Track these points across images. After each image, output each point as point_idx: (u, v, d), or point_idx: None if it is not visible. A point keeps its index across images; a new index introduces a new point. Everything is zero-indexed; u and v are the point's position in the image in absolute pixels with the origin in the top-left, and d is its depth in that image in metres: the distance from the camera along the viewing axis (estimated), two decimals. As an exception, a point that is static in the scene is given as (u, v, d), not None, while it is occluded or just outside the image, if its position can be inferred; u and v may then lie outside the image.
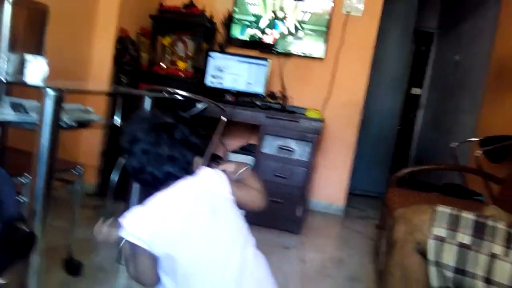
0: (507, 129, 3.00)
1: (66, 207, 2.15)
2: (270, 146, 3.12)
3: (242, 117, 3.17)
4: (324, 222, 3.58)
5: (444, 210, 1.45)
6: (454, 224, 1.40)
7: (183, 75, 3.36)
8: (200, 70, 3.46)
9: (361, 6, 3.58)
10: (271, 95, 3.47)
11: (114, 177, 2.85)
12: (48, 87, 1.55)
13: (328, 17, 3.53)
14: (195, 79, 3.37)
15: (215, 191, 1.22)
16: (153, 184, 1.20)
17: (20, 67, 1.83)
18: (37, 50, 2.04)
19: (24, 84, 1.79)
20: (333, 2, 3.53)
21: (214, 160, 3.37)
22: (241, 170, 1.39)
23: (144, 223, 1.11)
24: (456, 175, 3.53)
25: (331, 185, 3.76)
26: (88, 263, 2.21)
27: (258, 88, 3.39)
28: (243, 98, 3.37)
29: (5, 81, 1.82)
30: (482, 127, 3.54)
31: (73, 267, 2.11)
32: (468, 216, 1.42)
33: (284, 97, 3.51)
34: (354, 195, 4.36)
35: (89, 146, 3.09)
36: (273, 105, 3.28)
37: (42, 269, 1.66)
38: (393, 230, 1.55)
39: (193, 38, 3.46)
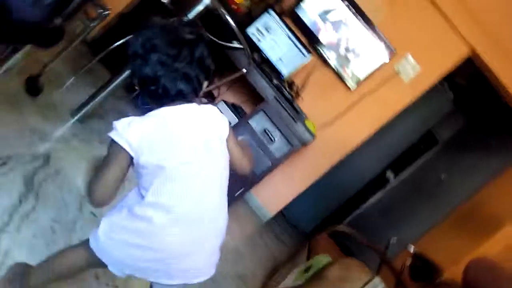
0: (440, 260, 3.12)
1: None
2: (258, 122, 3.09)
3: (254, 81, 3.12)
4: (247, 216, 3.59)
5: (380, 283, 1.48)
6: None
7: (234, 7, 3.26)
8: (250, 16, 3.37)
9: (412, 74, 3.61)
10: (290, 83, 3.43)
11: (118, 43, 2.73)
12: None
13: (379, 64, 3.55)
14: (241, 19, 3.27)
15: (215, 128, 1.22)
16: (160, 98, 1.16)
17: None
18: None
19: None
20: (389, 57, 3.54)
21: (208, 97, 3.31)
22: (243, 137, 1.42)
23: (138, 131, 1.09)
24: (374, 261, 3.64)
25: (275, 193, 3.77)
26: (46, 95, 2.11)
27: (285, 69, 3.34)
28: (266, 67, 3.31)
29: None
30: (421, 244, 3.67)
31: (34, 87, 2.00)
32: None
33: (297, 93, 3.49)
34: (282, 215, 4.41)
35: (114, 0, 2.93)
36: (285, 92, 3.25)
37: (16, 68, 1.56)
38: (329, 267, 1.57)
39: (267, -14, 3.36)
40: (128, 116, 1.12)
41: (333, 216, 4.83)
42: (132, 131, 1.08)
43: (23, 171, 1.58)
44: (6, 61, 1.58)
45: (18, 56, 1.55)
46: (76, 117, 2.19)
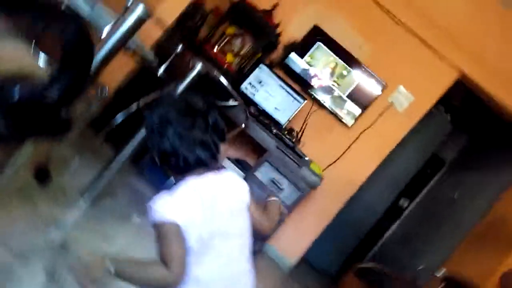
0: (471, 277, 3.07)
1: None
2: (264, 173, 3.13)
3: (254, 134, 3.18)
4: (269, 269, 3.54)
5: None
6: None
7: (225, 67, 3.37)
8: (242, 72, 3.47)
9: (406, 104, 3.68)
10: (290, 130, 3.49)
11: (118, 119, 2.80)
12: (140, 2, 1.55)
13: (372, 99, 3.63)
14: (234, 77, 3.37)
15: (239, 195, 1.24)
16: (182, 169, 1.19)
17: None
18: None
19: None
20: (381, 90, 3.62)
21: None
22: (272, 198, 1.41)
23: (176, 205, 1.10)
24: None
25: (292, 240, 3.75)
26: (55, 181, 2.14)
27: (282, 118, 3.42)
28: (264, 118, 3.37)
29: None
30: (448, 266, 3.62)
31: (42, 175, 2.03)
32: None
33: (298, 139, 3.54)
34: (305, 260, 4.35)
35: (110, 76, 3.02)
36: (286, 140, 3.30)
37: (23, 161, 1.60)
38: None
39: (254, 42, 3.49)
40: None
41: (355, 253, 4.76)
42: (173, 208, 1.09)
43: (43, 263, 1.60)
44: (12, 155, 1.62)
45: (26, 151, 1.60)
46: (86, 200, 2.22)
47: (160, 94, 1.21)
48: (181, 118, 1.15)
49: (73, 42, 1.11)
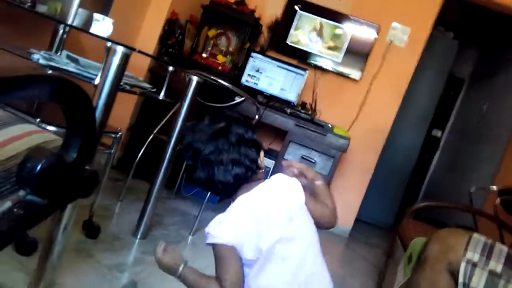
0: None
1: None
2: (293, 154, 3.15)
3: (271, 120, 3.20)
4: (328, 240, 3.58)
5: (480, 237, 1.47)
6: (488, 252, 1.42)
7: (220, 69, 3.40)
8: (237, 67, 3.50)
9: (405, 37, 3.64)
10: (302, 105, 3.50)
11: (139, 153, 2.88)
12: (119, 43, 1.59)
13: (371, 45, 3.59)
14: (232, 75, 3.41)
15: (291, 199, 1.23)
16: (225, 191, 1.23)
17: (87, 24, 1.87)
18: (105, 10, 2.08)
19: (95, 36, 1.82)
20: (376, 32, 3.58)
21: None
22: (318, 182, 1.38)
23: (230, 227, 1.13)
24: (467, 219, 3.54)
25: (342, 206, 3.72)
26: (104, 229, 2.23)
27: (291, 96, 3.43)
28: (274, 103, 3.40)
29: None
30: (500, 178, 3.57)
31: (92, 230, 2.12)
32: (502, 247, 1.44)
33: (313, 110, 3.55)
34: (359, 221, 4.36)
35: (118, 117, 3.11)
36: (302, 114, 3.32)
37: (71, 223, 1.67)
38: (426, 247, 1.56)
39: (237, 35, 3.51)
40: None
41: (406, 198, 4.75)
42: (225, 229, 1.13)
43: (120, 305, 1.67)
44: (60, 220, 1.70)
45: (68, 212, 1.67)
46: (139, 236, 2.30)
47: (184, 125, 1.26)
48: (205, 145, 1.18)
49: (69, 102, 1.16)
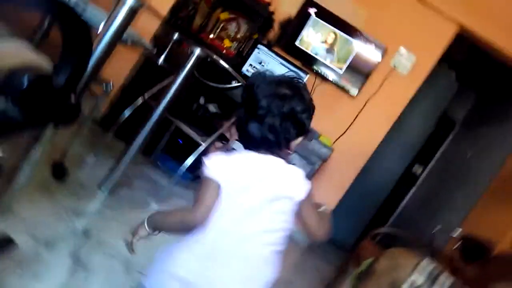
0: (489, 236, 3.08)
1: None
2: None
3: (261, 113, 3.21)
4: (289, 244, 3.60)
5: (430, 263, 1.51)
6: (433, 278, 1.46)
7: (225, 52, 3.41)
8: (241, 55, 3.52)
9: (408, 65, 3.68)
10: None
11: (125, 114, 2.88)
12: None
13: (374, 66, 3.64)
14: (235, 61, 3.42)
15: (291, 188, 1.23)
16: (248, 142, 1.24)
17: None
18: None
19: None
20: (382, 54, 3.62)
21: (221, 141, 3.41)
22: (324, 207, 1.41)
23: (223, 163, 1.19)
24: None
25: (309, 213, 3.78)
26: (72, 176, 2.23)
27: (286, 95, 3.45)
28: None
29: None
30: (466, 225, 3.63)
31: (60, 172, 2.12)
32: (448, 277, 1.48)
33: (305, 114, 3.56)
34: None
35: (114, 74, 3.10)
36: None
37: (43, 156, 1.68)
38: (376, 261, 1.60)
39: (248, 24, 3.52)
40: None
41: (372, 224, 4.79)
42: (218, 167, 1.18)
43: (68, 249, 1.68)
44: (28, 155, 1.70)
45: (41, 148, 1.67)
46: (104, 189, 2.30)
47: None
48: (262, 99, 1.18)
49: (71, 31, 1.17)
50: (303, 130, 1.25)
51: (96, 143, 2.84)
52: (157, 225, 1.20)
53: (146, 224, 1.20)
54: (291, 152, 1.28)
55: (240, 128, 1.23)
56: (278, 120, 1.19)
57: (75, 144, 2.36)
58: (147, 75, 3.14)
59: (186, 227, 1.19)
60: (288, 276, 2.94)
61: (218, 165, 1.19)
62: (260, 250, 1.23)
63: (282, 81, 1.24)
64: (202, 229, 1.17)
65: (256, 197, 1.19)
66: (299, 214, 1.26)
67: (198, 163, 3.65)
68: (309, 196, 1.25)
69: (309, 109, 1.25)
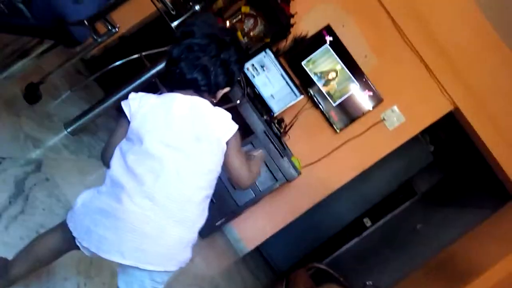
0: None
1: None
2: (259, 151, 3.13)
3: (246, 113, 3.17)
4: (225, 248, 3.57)
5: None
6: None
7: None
8: (247, 53, 3.48)
9: (396, 124, 3.72)
10: (280, 120, 3.51)
11: (116, 63, 2.77)
12: None
13: (363, 112, 3.67)
14: (239, 48, 3.37)
15: (216, 128, 1.23)
16: (176, 81, 1.25)
17: None
18: None
19: None
20: (376, 105, 3.66)
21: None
22: (258, 151, 1.41)
23: (142, 100, 1.20)
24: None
25: (254, 228, 3.76)
26: (42, 104, 2.12)
27: (276, 106, 3.44)
28: (258, 103, 3.38)
29: None
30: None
31: (33, 94, 2.01)
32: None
33: (286, 131, 3.56)
34: (258, 251, 4.39)
35: (122, 19, 2.98)
36: (274, 127, 3.32)
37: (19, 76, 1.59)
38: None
39: (265, 26, 3.48)
40: None
41: (308, 258, 4.82)
42: (137, 100, 1.19)
43: (15, 174, 1.58)
44: (11, 65, 1.61)
45: (24, 62, 1.58)
46: (69, 129, 2.20)
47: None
48: (201, 37, 1.19)
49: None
50: (233, 80, 1.28)
51: (75, 80, 2.73)
52: None
53: None
54: (215, 101, 1.29)
55: (170, 66, 1.23)
56: (212, 64, 1.21)
57: (55, 73, 2.26)
58: (151, 33, 3.04)
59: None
60: (216, 277, 2.90)
61: (138, 104, 1.19)
62: (193, 192, 1.20)
63: (222, 27, 1.30)
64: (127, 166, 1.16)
65: (182, 136, 1.17)
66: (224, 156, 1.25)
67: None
68: (236, 138, 1.26)
69: (243, 60, 1.30)
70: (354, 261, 4.93)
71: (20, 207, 1.49)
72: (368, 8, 3.72)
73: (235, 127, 1.26)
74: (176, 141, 1.17)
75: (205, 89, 1.24)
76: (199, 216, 1.23)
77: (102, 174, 2.26)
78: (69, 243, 1.19)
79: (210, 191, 1.24)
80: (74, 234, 1.16)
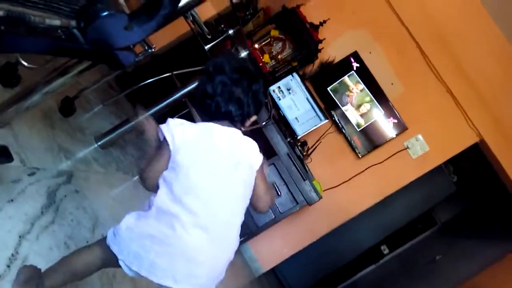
0: None
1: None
2: (267, 175, 3.16)
3: (270, 135, 3.20)
4: (242, 266, 3.57)
5: None
6: None
7: (260, 66, 3.42)
8: (273, 75, 3.53)
9: (420, 153, 3.71)
10: (303, 143, 3.54)
11: (148, 81, 2.85)
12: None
13: (387, 139, 3.68)
14: (266, 78, 3.43)
15: (249, 156, 1.32)
16: (211, 113, 1.33)
17: None
18: None
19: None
20: (400, 133, 3.66)
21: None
22: (270, 180, 1.48)
23: (185, 130, 1.24)
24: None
25: (271, 249, 3.77)
26: (76, 117, 2.20)
27: (299, 129, 3.46)
28: (282, 125, 3.42)
29: None
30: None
31: (68, 108, 2.09)
32: None
33: (308, 154, 3.58)
34: (274, 272, 4.38)
35: (156, 39, 3.08)
36: (297, 150, 3.34)
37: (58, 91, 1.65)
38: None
39: (293, 50, 3.54)
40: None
41: (323, 282, 4.78)
42: (179, 127, 1.23)
43: (47, 185, 1.64)
44: (51, 82, 1.67)
45: (64, 79, 1.64)
46: (99, 143, 2.27)
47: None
48: (232, 71, 1.27)
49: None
50: (261, 108, 1.38)
51: (107, 95, 2.81)
52: None
53: None
54: (243, 129, 1.36)
55: (205, 99, 1.31)
56: (245, 96, 1.29)
57: (90, 89, 2.34)
58: (183, 53, 3.13)
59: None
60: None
61: (178, 130, 1.23)
62: (235, 219, 1.29)
63: (247, 60, 1.37)
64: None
65: (225, 165, 1.25)
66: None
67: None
68: (263, 166, 1.36)
69: (267, 91, 1.39)
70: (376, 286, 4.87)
71: (51, 217, 1.54)
72: (396, 36, 3.75)
73: (261, 156, 1.36)
74: (220, 171, 1.25)
75: (238, 119, 1.33)
76: (238, 239, 1.33)
77: (128, 188, 2.33)
78: (108, 262, 1.25)
79: (243, 215, 1.32)
80: (120, 257, 1.21)
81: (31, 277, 1.24)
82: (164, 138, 1.23)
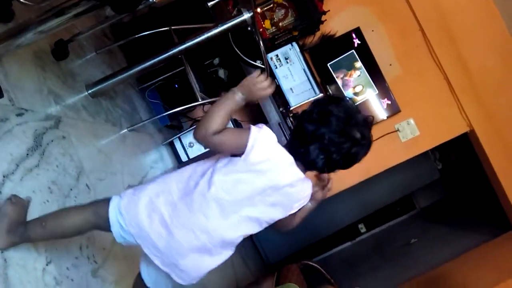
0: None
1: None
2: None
3: (263, 102, 3.17)
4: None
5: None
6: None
7: (260, 31, 3.35)
8: (273, 42, 3.46)
9: (409, 137, 3.70)
10: (294, 114, 3.50)
11: (144, 33, 2.76)
12: None
13: (377, 120, 3.65)
14: (264, 44, 3.36)
15: (297, 203, 1.34)
16: (296, 149, 1.30)
17: None
18: None
19: None
20: (392, 114, 3.65)
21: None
22: (310, 205, 1.44)
23: (266, 149, 1.25)
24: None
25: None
26: (68, 62, 2.12)
27: (293, 100, 3.43)
28: (275, 94, 3.37)
29: None
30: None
31: (61, 51, 2.01)
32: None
33: (299, 126, 3.55)
34: (251, 241, 4.42)
35: None
36: (289, 121, 3.31)
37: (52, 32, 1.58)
38: None
39: (295, 18, 3.46)
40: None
41: (298, 254, 4.83)
42: (271, 138, 1.26)
43: (35, 127, 1.59)
44: (46, 21, 1.60)
45: (60, 19, 1.57)
46: (90, 91, 2.21)
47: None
48: (337, 133, 1.24)
49: None
50: (348, 167, 1.35)
51: (101, 43, 2.72)
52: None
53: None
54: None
55: (298, 139, 1.28)
56: (338, 157, 1.21)
57: (85, 34, 2.26)
58: (184, 8, 3.03)
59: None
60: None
61: (263, 141, 1.23)
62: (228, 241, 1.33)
63: (364, 121, 1.27)
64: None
65: (267, 199, 1.27)
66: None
67: (180, 115, 3.58)
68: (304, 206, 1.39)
69: (366, 155, 1.31)
70: (343, 264, 4.95)
71: (36, 160, 1.50)
72: (401, 17, 3.69)
73: (308, 198, 1.38)
74: (257, 201, 1.26)
75: (315, 169, 1.31)
76: (231, 253, 1.44)
77: (114, 140, 2.28)
78: (98, 226, 1.25)
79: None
80: (122, 218, 1.21)
81: (16, 223, 1.20)
82: (249, 133, 1.23)
